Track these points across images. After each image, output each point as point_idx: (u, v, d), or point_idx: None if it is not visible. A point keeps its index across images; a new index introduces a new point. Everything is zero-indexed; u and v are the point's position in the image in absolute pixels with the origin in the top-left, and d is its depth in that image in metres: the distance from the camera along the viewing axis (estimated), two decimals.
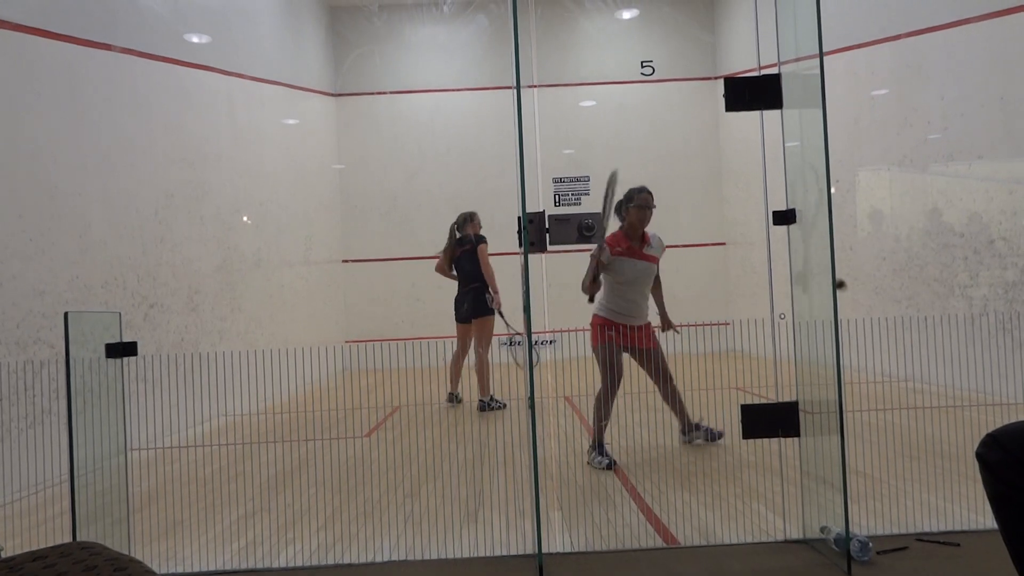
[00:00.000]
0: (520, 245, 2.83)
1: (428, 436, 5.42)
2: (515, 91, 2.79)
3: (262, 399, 5.50)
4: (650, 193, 4.54)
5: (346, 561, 3.01)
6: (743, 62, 9.78)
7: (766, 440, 3.06)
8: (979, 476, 1.60)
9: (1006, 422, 1.61)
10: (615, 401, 4.42)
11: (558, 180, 9.78)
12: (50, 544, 1.31)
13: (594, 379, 4.51)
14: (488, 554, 3.02)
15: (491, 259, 6.61)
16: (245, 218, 7.73)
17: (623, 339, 4.44)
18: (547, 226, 2.93)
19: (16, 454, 4.37)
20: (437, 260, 6.99)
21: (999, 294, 6.16)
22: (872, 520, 3.16)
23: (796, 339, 2.98)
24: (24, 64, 4.77)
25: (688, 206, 10.42)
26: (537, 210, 2.86)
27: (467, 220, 6.85)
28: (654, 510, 3.49)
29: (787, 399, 3.03)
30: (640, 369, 4.62)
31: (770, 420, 2.99)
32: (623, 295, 4.47)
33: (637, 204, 4.48)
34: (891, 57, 7.25)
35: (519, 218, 2.81)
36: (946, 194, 6.68)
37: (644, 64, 10.52)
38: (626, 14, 10.78)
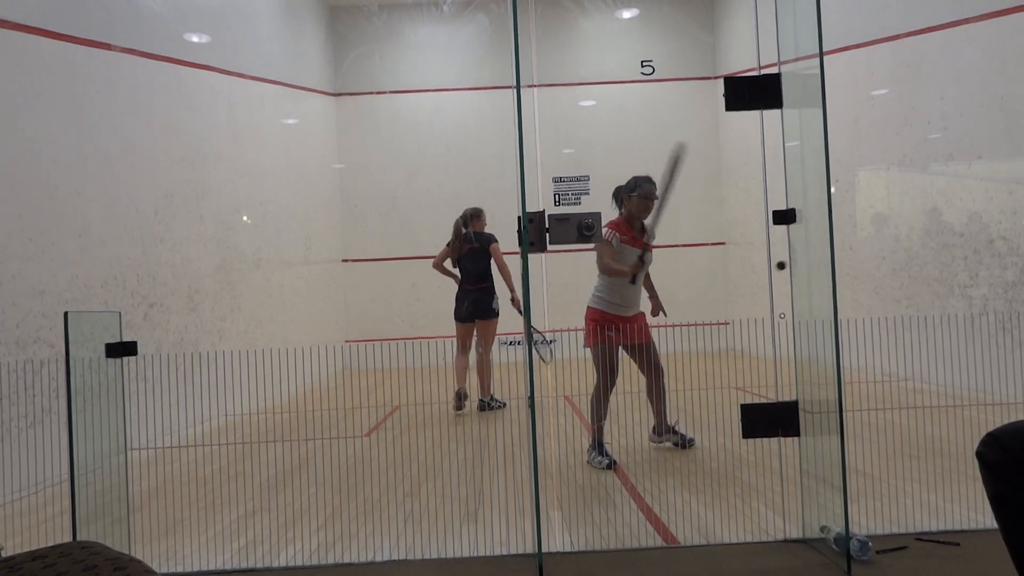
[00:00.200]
0: (520, 244, 2.84)
1: (428, 436, 5.42)
2: (515, 91, 2.79)
3: (262, 399, 5.49)
4: (655, 185, 4.54)
5: (346, 560, 3.02)
6: (743, 62, 9.78)
7: (766, 440, 3.07)
8: (979, 475, 1.60)
9: (1006, 422, 1.62)
10: (611, 399, 4.42)
11: (558, 180, 9.77)
12: (50, 544, 1.31)
13: (594, 378, 4.51)
14: (488, 553, 3.02)
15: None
16: (245, 218, 7.73)
17: (619, 336, 4.44)
18: (547, 225, 2.93)
19: (16, 453, 4.38)
20: (436, 255, 6.66)
21: (999, 294, 6.16)
22: (872, 520, 3.16)
23: (796, 339, 2.98)
24: (24, 64, 4.77)
25: (688, 206, 10.40)
26: (537, 209, 2.86)
27: (473, 217, 6.56)
28: (654, 510, 3.50)
29: (787, 399, 3.03)
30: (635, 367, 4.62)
31: (770, 420, 2.99)
32: (623, 285, 4.45)
33: (642, 195, 4.48)
34: (891, 57, 7.25)
35: (519, 217, 2.81)
36: (946, 194, 6.68)
37: (644, 64, 10.51)
38: (626, 14, 10.77)
